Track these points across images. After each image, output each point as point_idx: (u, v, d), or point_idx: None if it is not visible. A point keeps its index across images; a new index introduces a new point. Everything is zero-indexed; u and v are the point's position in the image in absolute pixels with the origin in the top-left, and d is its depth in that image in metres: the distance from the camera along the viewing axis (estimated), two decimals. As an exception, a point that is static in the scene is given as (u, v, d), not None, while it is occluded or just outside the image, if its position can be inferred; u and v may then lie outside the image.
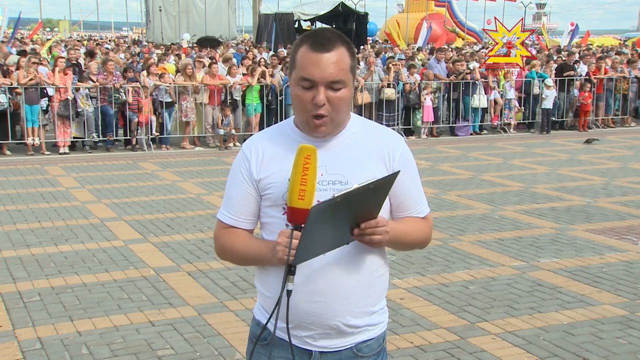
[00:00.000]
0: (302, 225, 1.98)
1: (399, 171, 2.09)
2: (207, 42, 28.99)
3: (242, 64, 15.36)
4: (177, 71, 14.49)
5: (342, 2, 32.41)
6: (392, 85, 14.81)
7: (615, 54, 20.54)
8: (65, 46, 23.23)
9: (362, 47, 25.96)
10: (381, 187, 2.02)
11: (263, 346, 2.27)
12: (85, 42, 30.17)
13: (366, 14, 34.90)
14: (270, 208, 2.21)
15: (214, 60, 14.99)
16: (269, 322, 2.14)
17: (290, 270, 2.01)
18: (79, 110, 12.84)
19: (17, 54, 15.77)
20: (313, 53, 2.09)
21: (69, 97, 12.67)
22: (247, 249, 2.23)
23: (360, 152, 2.20)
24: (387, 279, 2.31)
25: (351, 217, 2.01)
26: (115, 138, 13.62)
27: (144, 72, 13.71)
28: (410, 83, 14.93)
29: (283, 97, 14.03)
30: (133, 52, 21.45)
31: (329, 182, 2.15)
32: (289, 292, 2.02)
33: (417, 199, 2.30)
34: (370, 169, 2.18)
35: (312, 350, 2.22)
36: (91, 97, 13.03)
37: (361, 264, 2.18)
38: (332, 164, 2.17)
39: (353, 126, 2.24)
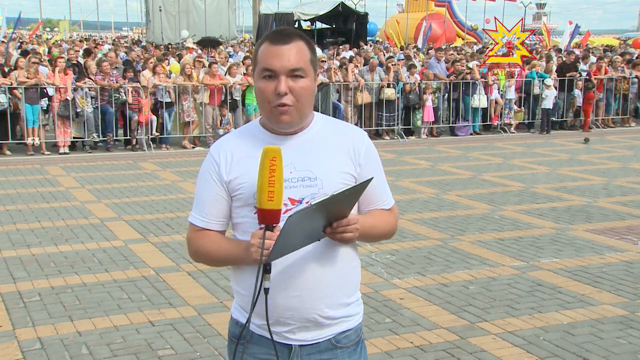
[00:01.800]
0: (274, 225, 2.06)
1: (372, 178, 2.16)
2: (208, 43, 28.99)
3: (242, 64, 15.35)
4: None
5: (342, 2, 32.36)
6: (392, 85, 14.81)
7: (619, 55, 20.51)
8: (67, 44, 23.26)
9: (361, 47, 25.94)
10: (355, 192, 2.10)
11: (242, 344, 2.30)
12: (85, 43, 30.14)
13: (366, 14, 34.86)
14: (241, 208, 2.25)
15: (214, 60, 14.99)
16: (249, 322, 2.15)
17: (265, 269, 2.06)
18: (78, 110, 12.84)
19: (20, 54, 15.74)
20: (273, 46, 2.17)
21: (68, 97, 12.67)
22: (221, 250, 2.28)
23: (327, 147, 2.26)
24: (359, 271, 2.38)
25: (324, 218, 2.08)
26: (115, 138, 13.62)
27: (145, 72, 13.71)
28: (410, 83, 14.93)
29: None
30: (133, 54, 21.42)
31: (299, 179, 2.20)
32: (267, 290, 2.07)
33: (382, 192, 2.38)
34: (338, 163, 2.25)
35: (291, 345, 2.26)
36: (91, 97, 13.04)
37: (334, 257, 2.24)
38: (300, 161, 2.21)
39: (317, 123, 2.30)
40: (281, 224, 2.05)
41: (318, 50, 19.16)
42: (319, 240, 2.16)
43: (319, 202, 1.97)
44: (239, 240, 2.26)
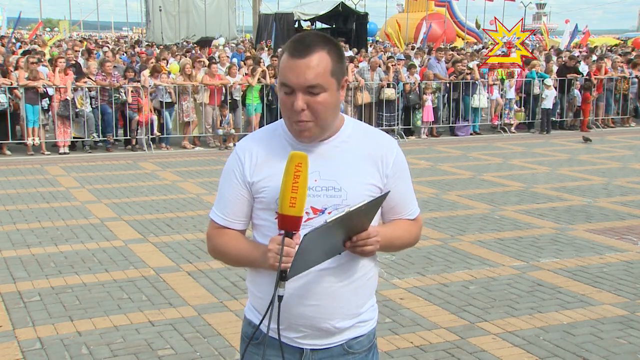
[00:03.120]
0: (294, 232, 2.02)
1: (389, 192, 2.15)
2: (206, 43, 29.01)
3: (244, 64, 15.35)
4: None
5: (342, 2, 32.33)
6: (392, 85, 14.81)
7: (619, 55, 20.51)
8: (68, 44, 23.28)
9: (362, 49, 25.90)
10: (372, 206, 2.06)
11: (255, 345, 2.29)
12: (84, 43, 30.14)
13: (366, 14, 34.84)
14: (262, 211, 2.23)
15: (214, 60, 14.99)
16: (262, 323, 2.15)
17: (281, 276, 2.02)
18: (77, 110, 12.83)
19: (21, 54, 15.75)
20: (290, 59, 2.09)
21: (68, 97, 12.67)
22: (239, 251, 2.26)
23: (354, 157, 2.20)
24: (376, 279, 2.35)
25: (343, 232, 2.05)
26: (115, 138, 13.61)
27: (145, 72, 13.70)
28: (410, 83, 14.93)
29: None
30: (132, 53, 21.46)
31: (323, 187, 2.16)
32: (280, 298, 2.04)
33: (408, 202, 2.33)
34: (364, 174, 2.20)
35: (303, 348, 2.25)
36: (91, 97, 13.03)
37: (353, 268, 2.21)
38: (326, 169, 2.17)
39: (347, 130, 2.24)
40: (301, 232, 2.01)
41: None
42: (339, 254, 2.13)
43: (335, 219, 1.93)
44: (258, 244, 2.24)
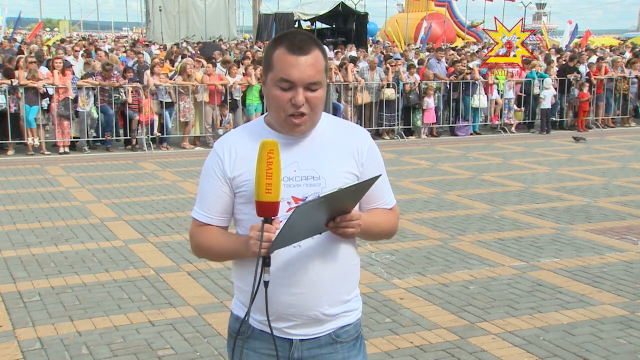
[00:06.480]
0: (273, 218, 2.08)
1: (380, 175, 2.22)
2: (211, 48, 28.94)
3: (242, 64, 15.34)
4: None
5: (342, 2, 32.38)
6: (392, 85, 14.81)
7: (618, 55, 20.50)
8: (70, 42, 23.30)
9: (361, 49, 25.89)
10: (361, 188, 2.14)
11: (242, 339, 2.32)
12: (84, 43, 30.13)
13: (366, 14, 34.88)
14: (244, 205, 2.28)
15: (213, 61, 14.98)
16: (248, 315, 2.16)
17: (265, 262, 2.08)
18: (78, 109, 12.83)
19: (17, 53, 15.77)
20: (291, 55, 2.17)
21: (68, 96, 12.67)
22: (222, 245, 2.31)
23: (331, 147, 2.29)
24: (359, 268, 2.42)
25: (328, 212, 2.11)
26: (115, 138, 13.61)
27: (147, 72, 13.68)
28: (410, 83, 14.93)
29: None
30: (134, 52, 21.43)
31: (302, 177, 2.24)
32: (266, 283, 2.10)
33: (384, 191, 2.41)
34: (341, 163, 2.29)
35: (292, 339, 2.29)
36: (94, 96, 13.03)
37: (336, 255, 2.27)
38: (305, 160, 2.25)
39: (322, 123, 2.32)
40: (280, 217, 2.10)
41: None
42: (320, 233, 2.19)
43: (328, 195, 2.01)
44: (239, 235, 2.30)
